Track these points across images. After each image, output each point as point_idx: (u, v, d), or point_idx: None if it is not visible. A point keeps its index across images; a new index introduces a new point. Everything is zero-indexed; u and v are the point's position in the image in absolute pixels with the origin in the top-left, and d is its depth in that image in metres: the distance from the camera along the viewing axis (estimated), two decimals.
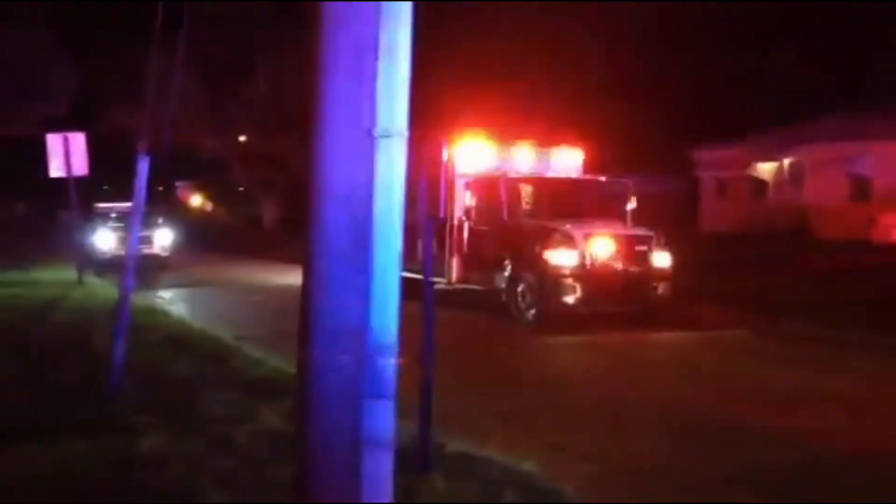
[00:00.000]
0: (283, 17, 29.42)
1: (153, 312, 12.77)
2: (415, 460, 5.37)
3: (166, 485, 5.10)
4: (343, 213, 3.42)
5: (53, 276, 18.45)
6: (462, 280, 15.11)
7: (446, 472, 5.42)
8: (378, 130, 3.37)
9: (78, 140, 17.30)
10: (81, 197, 18.18)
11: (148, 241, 22.01)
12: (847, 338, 12.27)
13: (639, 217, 15.47)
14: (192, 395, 7.44)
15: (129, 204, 7.80)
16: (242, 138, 38.99)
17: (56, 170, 17.21)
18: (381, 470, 3.48)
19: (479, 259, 14.81)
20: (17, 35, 26.06)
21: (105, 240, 22.35)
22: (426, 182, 5.67)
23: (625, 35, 30.59)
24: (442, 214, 13.08)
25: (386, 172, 3.41)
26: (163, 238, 23.48)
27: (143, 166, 7.43)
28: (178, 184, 53.78)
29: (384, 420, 3.45)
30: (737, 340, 12.72)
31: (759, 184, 31.69)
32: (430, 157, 14.29)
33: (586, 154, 17.02)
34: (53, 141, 17.16)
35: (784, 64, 31.67)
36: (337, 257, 3.43)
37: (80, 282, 17.08)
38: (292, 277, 21.99)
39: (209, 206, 53.87)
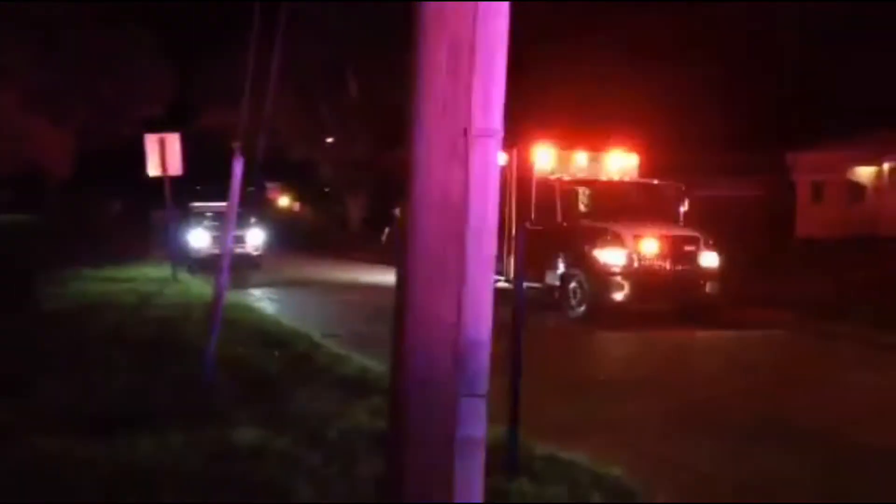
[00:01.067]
0: (375, 22, 29.79)
1: (244, 309, 13.06)
2: (502, 462, 5.37)
3: (260, 477, 5.21)
4: (438, 212, 3.44)
5: (148, 274, 19.04)
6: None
7: (533, 474, 5.40)
8: (474, 130, 3.38)
9: (173, 141, 17.83)
10: (175, 196, 18.68)
11: (241, 240, 22.12)
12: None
13: (727, 222, 15.85)
14: (282, 390, 7.58)
15: (223, 203, 7.99)
16: (330, 140, 39.59)
17: (153, 169, 17.76)
18: (473, 469, 3.48)
19: (535, 258, 14.39)
20: (121, 39, 27.04)
21: (200, 239, 22.72)
22: (517, 185, 5.67)
23: (714, 35, 29.98)
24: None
25: (481, 171, 3.42)
26: (255, 238, 23.64)
27: (238, 167, 7.61)
28: (267, 184, 54.92)
29: (477, 418, 3.46)
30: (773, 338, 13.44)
31: (858, 188, 30.65)
32: (520, 161, 14.62)
33: (672, 158, 17.15)
34: (151, 141, 17.72)
35: (886, 62, 30.54)
36: (431, 256, 3.46)
37: (174, 279, 17.58)
38: (376, 276, 22.41)
39: (296, 207, 54.81)
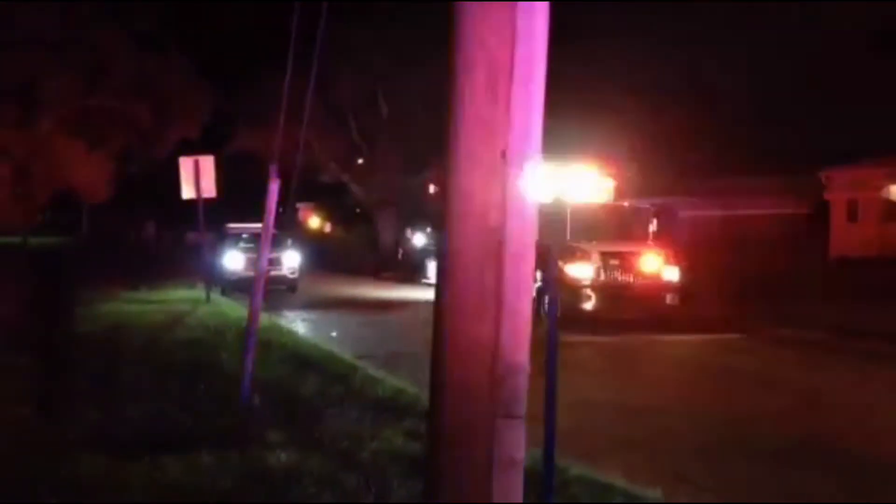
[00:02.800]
0: (406, 45, 30.02)
1: (278, 331, 13.12)
2: (537, 484, 5.33)
3: (295, 499, 5.22)
4: (476, 234, 3.45)
5: (182, 295, 19.21)
6: None
7: (570, 497, 5.36)
8: (512, 153, 3.39)
9: (208, 163, 18.02)
10: (208, 218, 18.83)
11: (276, 262, 22.07)
12: None
13: (760, 242, 16.34)
14: (316, 412, 7.59)
15: (259, 225, 8.05)
16: (361, 161, 39.85)
17: (187, 192, 17.95)
18: (511, 491, 3.47)
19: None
20: (156, 63, 27.46)
21: (235, 261, 22.63)
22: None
23: (742, 52, 29.84)
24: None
25: (519, 194, 3.42)
26: (291, 260, 23.51)
27: (273, 188, 7.67)
28: (298, 205, 55.29)
29: (516, 440, 3.45)
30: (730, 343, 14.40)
31: (893, 206, 30.27)
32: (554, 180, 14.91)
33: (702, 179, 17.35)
34: (185, 164, 17.93)
35: None
36: (469, 278, 3.46)
37: (207, 300, 17.73)
38: (406, 296, 22.47)
39: (327, 227, 55.11)
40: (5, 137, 25.99)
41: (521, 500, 3.48)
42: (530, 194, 3.44)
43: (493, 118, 3.39)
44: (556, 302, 5.88)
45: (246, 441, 6.42)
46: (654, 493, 5.54)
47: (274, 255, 21.30)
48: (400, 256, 32.92)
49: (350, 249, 41.50)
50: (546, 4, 3.42)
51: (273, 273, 20.75)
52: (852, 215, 31.16)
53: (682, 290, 16.49)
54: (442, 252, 3.55)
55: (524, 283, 3.48)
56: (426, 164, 34.76)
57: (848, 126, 30.01)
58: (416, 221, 34.73)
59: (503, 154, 3.39)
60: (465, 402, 3.44)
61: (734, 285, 19.84)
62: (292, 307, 19.53)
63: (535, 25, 3.41)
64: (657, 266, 16.48)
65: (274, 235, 24.28)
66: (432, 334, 3.51)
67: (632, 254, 16.47)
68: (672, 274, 16.55)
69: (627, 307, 15.93)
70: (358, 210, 47.95)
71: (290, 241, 24.19)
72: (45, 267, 27.50)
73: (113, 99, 27.30)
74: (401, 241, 35.92)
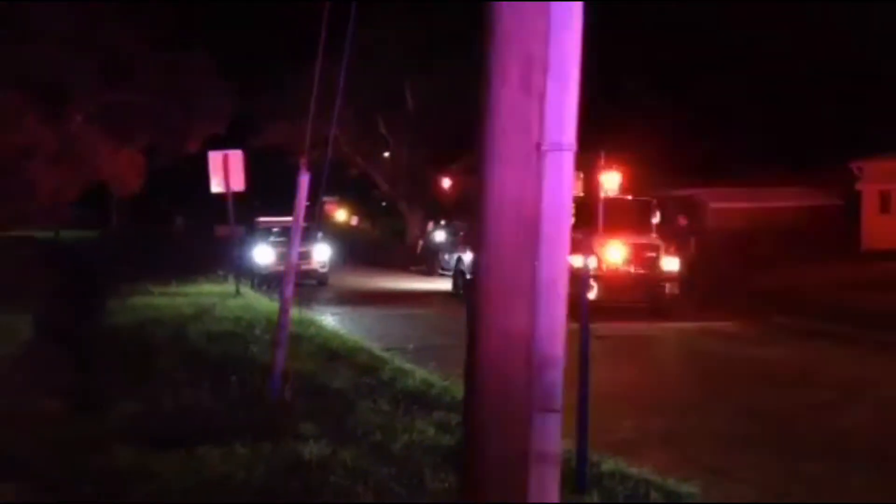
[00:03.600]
0: (434, 40, 30.06)
1: (308, 324, 13.17)
2: (570, 477, 5.32)
3: (329, 490, 5.25)
4: (511, 226, 3.44)
5: (212, 289, 19.33)
6: None
7: (603, 491, 5.34)
8: (547, 144, 3.38)
9: (236, 157, 18.11)
10: (237, 212, 18.88)
11: (306, 256, 21.78)
12: None
13: (790, 234, 16.56)
14: (347, 404, 7.62)
15: (290, 218, 8.09)
16: (387, 155, 39.94)
17: (216, 186, 18.05)
18: (548, 484, 3.46)
19: None
20: (185, 59, 27.66)
21: (265, 254, 22.43)
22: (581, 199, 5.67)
23: (771, 41, 29.47)
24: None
25: (554, 186, 3.41)
26: (321, 254, 23.22)
27: (303, 182, 7.71)
28: (324, 199, 55.45)
29: (552, 434, 3.44)
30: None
31: None
32: (588, 174, 15.11)
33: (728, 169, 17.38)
34: (215, 158, 18.03)
35: None
36: (504, 270, 3.46)
37: (237, 293, 17.82)
38: (431, 288, 22.48)
39: (354, 221, 55.27)
40: (36, 133, 26.28)
41: (557, 495, 3.47)
42: (565, 186, 3.43)
43: (528, 111, 3.38)
44: (587, 293, 5.86)
45: (278, 433, 6.46)
46: (690, 487, 5.51)
47: (304, 248, 20.94)
48: (419, 249, 32.99)
49: (377, 243, 41.62)
50: None
51: (304, 267, 20.50)
52: (885, 206, 30.67)
53: (680, 279, 17.39)
54: (477, 245, 3.55)
55: (559, 275, 3.47)
56: (452, 158, 34.79)
57: (881, 115, 29.58)
58: (438, 215, 34.80)
59: (538, 147, 3.38)
60: (500, 395, 3.44)
61: (761, 277, 19.71)
62: (321, 300, 19.61)
63: (570, 19, 3.39)
64: (656, 257, 17.35)
65: (304, 229, 24.31)
66: (467, 327, 3.51)
67: (632, 245, 17.25)
68: (671, 264, 17.36)
69: (628, 295, 16.68)
70: (384, 204, 48.08)
71: (320, 235, 23.98)
72: (76, 261, 27.82)
73: (141, 95, 27.53)
74: (421, 234, 36.03)
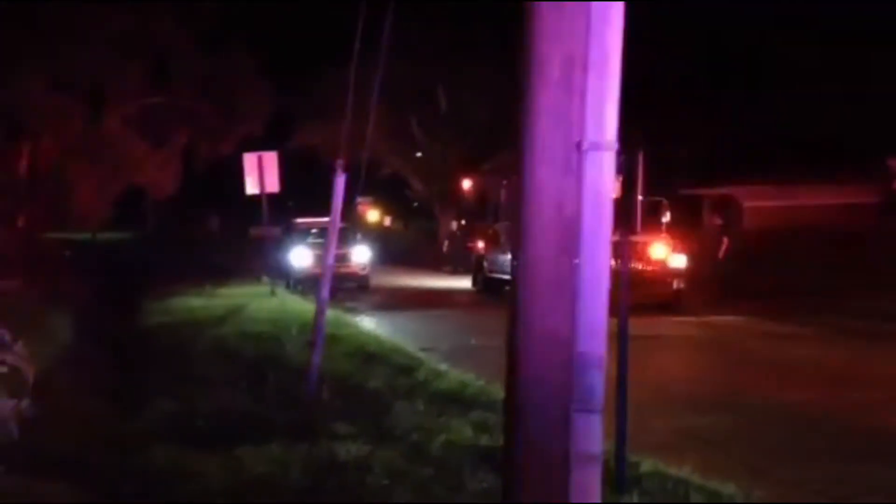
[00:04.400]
0: (467, 39, 30.10)
1: (343, 324, 13.22)
2: (610, 478, 5.29)
3: (367, 491, 5.27)
4: (551, 226, 3.42)
5: (247, 290, 19.46)
6: None
7: (643, 492, 5.31)
8: (587, 143, 3.36)
9: (271, 159, 18.23)
10: (271, 213, 18.94)
11: (345, 258, 21.10)
12: None
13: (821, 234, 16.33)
14: (384, 404, 7.65)
15: (328, 219, 8.13)
16: (419, 155, 40.03)
17: (251, 187, 18.19)
18: (590, 486, 3.44)
19: None
20: (220, 60, 27.92)
21: (303, 257, 21.71)
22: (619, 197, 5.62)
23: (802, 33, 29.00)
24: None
25: (595, 185, 3.39)
26: (361, 255, 22.36)
27: (339, 183, 7.74)
28: (359, 199, 55.57)
29: (593, 434, 3.42)
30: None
31: None
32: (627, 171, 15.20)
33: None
34: (249, 160, 18.17)
35: None
36: (544, 270, 3.44)
37: (272, 294, 17.95)
38: (465, 289, 22.47)
39: (387, 221, 55.41)
40: (74, 135, 26.67)
41: (599, 495, 3.45)
42: (606, 186, 3.41)
43: (569, 110, 3.36)
44: (628, 290, 5.82)
45: (315, 433, 6.50)
46: (730, 488, 5.45)
47: (343, 250, 20.44)
48: (445, 249, 33.01)
49: (410, 243, 41.71)
50: None
51: (343, 270, 20.01)
52: None
53: (687, 275, 18.41)
54: (516, 245, 3.54)
55: (600, 274, 3.45)
56: (484, 158, 34.79)
57: None
58: (466, 215, 34.82)
59: (578, 146, 3.36)
60: (540, 395, 3.42)
61: (795, 276, 19.50)
62: (356, 300, 19.66)
63: (612, 16, 3.37)
64: (665, 254, 18.30)
65: (343, 230, 24.30)
66: (507, 326, 3.50)
67: (641, 243, 17.78)
68: (679, 261, 18.30)
69: (638, 291, 16.75)
70: (416, 204, 48.17)
71: (359, 236, 23.14)
72: (114, 262, 28.16)
73: (178, 96, 27.84)
74: (447, 234, 36.10)
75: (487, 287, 21.74)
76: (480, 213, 28.84)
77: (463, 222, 32.21)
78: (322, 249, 8.98)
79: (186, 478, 5.45)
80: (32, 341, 8.78)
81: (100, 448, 6.30)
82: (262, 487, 5.31)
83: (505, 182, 33.86)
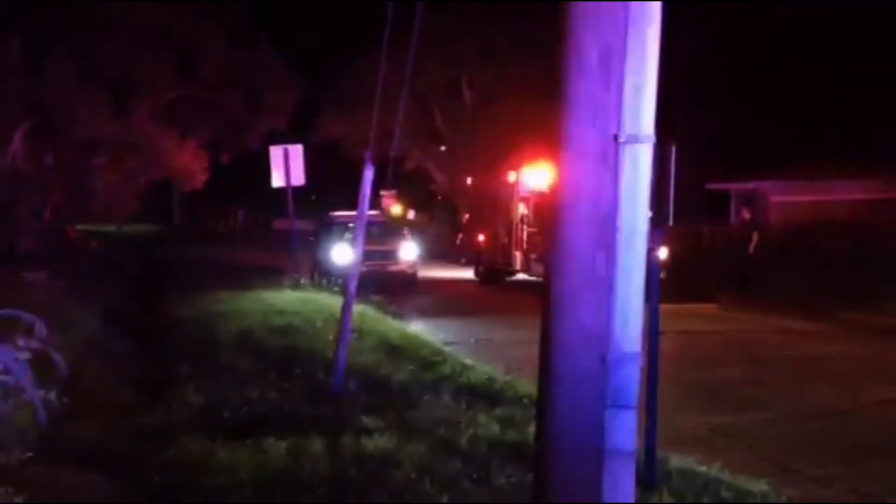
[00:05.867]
0: (492, 33, 30.03)
1: (370, 318, 13.21)
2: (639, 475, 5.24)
3: (394, 485, 5.25)
4: (587, 220, 3.39)
5: (273, 282, 19.46)
6: (523, 269, 20.87)
7: (672, 490, 5.26)
8: (624, 136, 3.32)
9: (297, 152, 18.24)
10: (297, 205, 18.83)
11: (391, 256, 19.98)
12: None
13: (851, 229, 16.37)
14: (410, 398, 7.63)
15: (374, 212, 8.12)
16: (442, 148, 40.01)
17: (277, 180, 18.21)
18: (622, 481, 3.41)
19: (530, 253, 20.32)
20: (248, 54, 28.05)
21: (343, 253, 19.36)
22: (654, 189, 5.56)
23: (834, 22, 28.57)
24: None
25: (632, 178, 3.35)
26: (408, 252, 20.77)
27: (368, 175, 7.73)
28: (383, 192, 55.51)
29: (627, 430, 3.39)
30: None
31: None
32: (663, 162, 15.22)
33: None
34: (275, 153, 18.19)
35: None
36: (580, 264, 3.41)
37: (297, 287, 17.91)
38: (493, 283, 22.48)
39: (410, 214, 55.43)
40: (101, 128, 26.87)
41: (632, 493, 3.42)
42: (643, 179, 3.37)
43: (606, 100, 3.32)
44: (658, 285, 5.76)
45: (342, 426, 6.49)
46: (760, 485, 5.40)
47: (389, 247, 19.79)
48: (458, 241, 32.99)
49: (433, 236, 41.68)
50: None
51: (391, 268, 19.36)
52: None
53: (669, 268, 18.20)
54: (550, 239, 3.50)
55: (636, 269, 3.41)
56: (508, 152, 34.72)
57: None
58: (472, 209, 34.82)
59: (615, 139, 3.32)
60: (574, 390, 3.39)
61: (824, 272, 19.24)
62: (381, 293, 19.60)
63: (650, 10, 3.32)
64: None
65: (388, 226, 23.55)
66: (541, 321, 3.47)
67: None
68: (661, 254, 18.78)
69: None
70: (439, 197, 48.14)
71: (405, 232, 21.58)
72: (141, 255, 28.37)
73: (204, 90, 27.98)
74: (462, 227, 36.05)
75: (488, 278, 22.94)
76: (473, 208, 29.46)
77: (466, 216, 32.35)
78: (366, 245, 8.79)
79: (216, 470, 5.47)
80: (61, 331, 8.87)
81: (128, 438, 6.34)
82: (290, 480, 5.31)
83: (470, 179, 34.27)
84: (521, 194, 21.11)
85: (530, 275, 20.13)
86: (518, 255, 21.00)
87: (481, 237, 24.25)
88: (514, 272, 21.65)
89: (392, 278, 19.23)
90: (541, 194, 19.18)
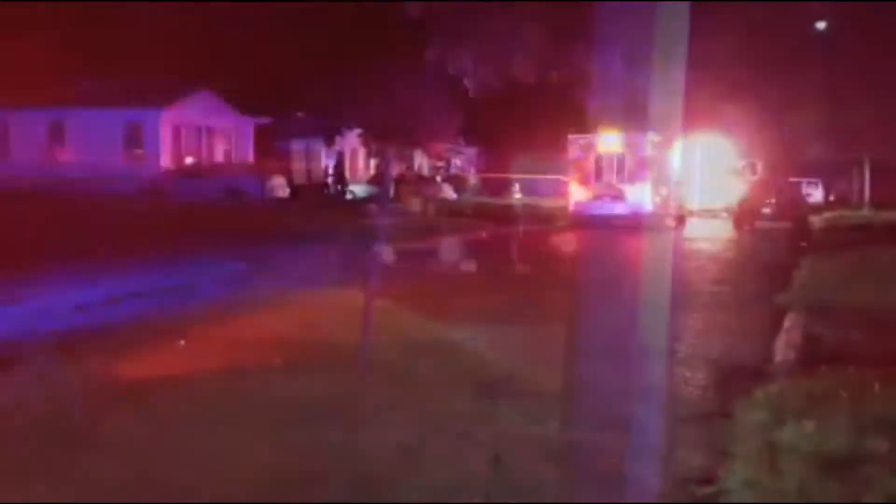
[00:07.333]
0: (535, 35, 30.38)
1: (390, 310, 13.05)
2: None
3: (416, 480, 5.23)
4: None
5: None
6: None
7: None
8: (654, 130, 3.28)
9: None
10: None
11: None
12: None
13: None
14: (431, 392, 7.57)
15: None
16: None
17: None
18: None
19: None
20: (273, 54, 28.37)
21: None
22: None
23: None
24: None
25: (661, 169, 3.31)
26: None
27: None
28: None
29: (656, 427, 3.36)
30: None
31: None
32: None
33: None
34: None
35: None
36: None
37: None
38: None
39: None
40: None
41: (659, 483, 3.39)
42: (671, 168, 3.33)
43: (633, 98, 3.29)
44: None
45: (364, 420, 6.48)
46: None
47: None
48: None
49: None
50: None
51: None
52: None
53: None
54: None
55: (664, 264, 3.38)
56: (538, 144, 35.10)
57: None
58: None
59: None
60: (600, 381, 3.37)
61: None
62: (399, 284, 19.36)
63: (676, 16, 3.28)
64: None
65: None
66: (568, 314, 3.44)
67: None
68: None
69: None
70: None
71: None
72: None
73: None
74: None
75: None
76: None
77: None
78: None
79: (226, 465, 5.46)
80: None
81: None
82: (311, 476, 5.31)
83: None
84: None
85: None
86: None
87: None
88: None
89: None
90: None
